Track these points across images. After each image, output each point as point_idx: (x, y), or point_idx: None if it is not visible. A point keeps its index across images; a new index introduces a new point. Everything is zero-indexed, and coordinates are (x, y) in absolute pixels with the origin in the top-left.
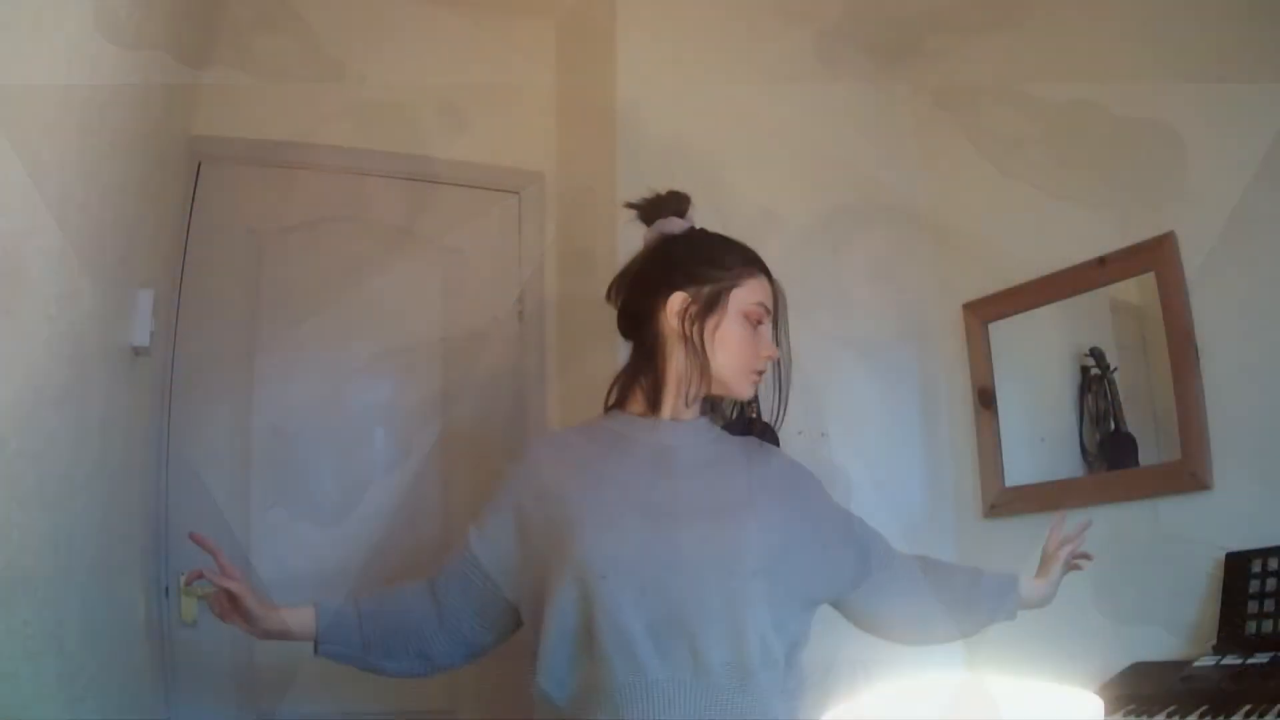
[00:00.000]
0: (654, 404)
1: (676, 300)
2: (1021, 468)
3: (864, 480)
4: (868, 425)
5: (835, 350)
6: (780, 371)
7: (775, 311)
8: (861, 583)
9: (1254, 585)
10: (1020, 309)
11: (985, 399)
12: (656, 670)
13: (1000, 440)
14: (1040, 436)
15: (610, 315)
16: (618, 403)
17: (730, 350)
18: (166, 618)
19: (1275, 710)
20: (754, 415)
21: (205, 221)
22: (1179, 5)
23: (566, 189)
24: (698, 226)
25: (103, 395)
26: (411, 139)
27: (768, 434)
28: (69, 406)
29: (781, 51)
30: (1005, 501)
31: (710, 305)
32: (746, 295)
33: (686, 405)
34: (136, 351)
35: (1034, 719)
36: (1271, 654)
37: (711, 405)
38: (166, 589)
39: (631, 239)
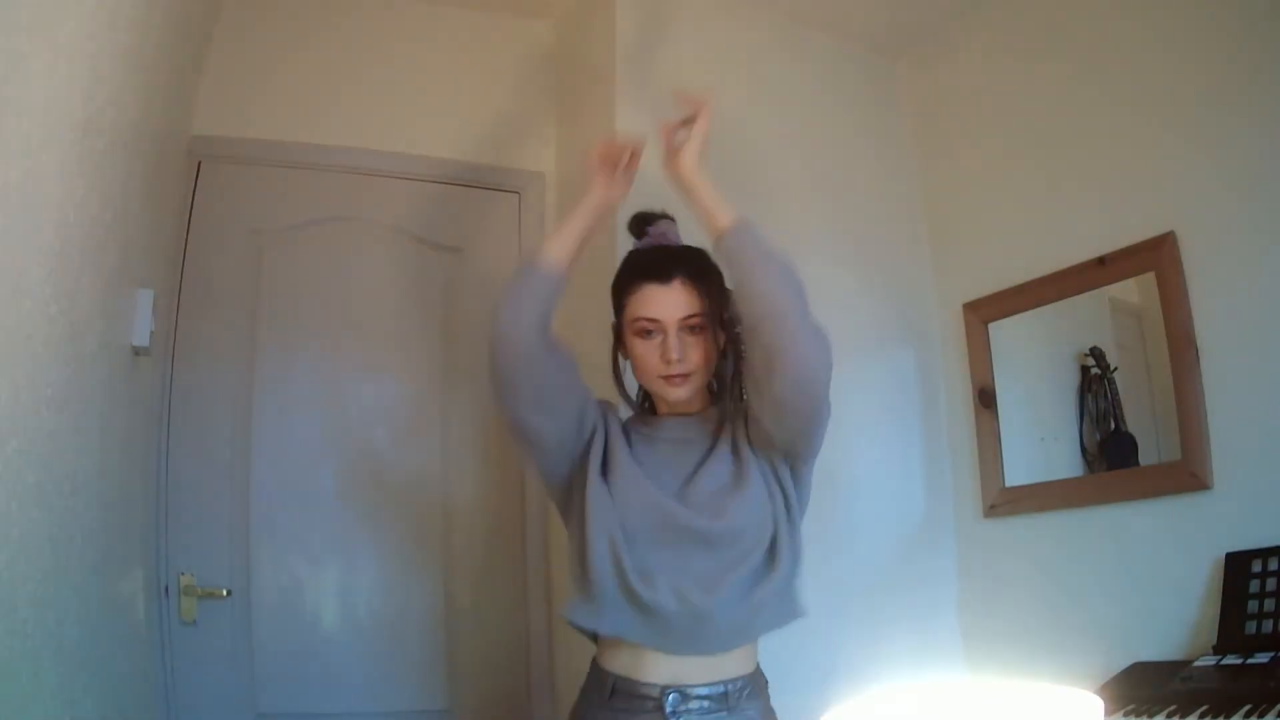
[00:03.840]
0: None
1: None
2: (1021, 468)
3: (864, 480)
4: (868, 425)
5: (835, 350)
6: (729, 358)
7: (688, 312)
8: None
9: (1254, 585)
10: (1020, 309)
11: (985, 399)
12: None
13: (1000, 440)
14: (1040, 436)
15: (610, 314)
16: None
17: (638, 365)
18: (166, 618)
19: (1275, 710)
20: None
21: (205, 221)
22: (1179, 6)
23: (566, 189)
24: (641, 244)
25: (103, 395)
26: (411, 139)
27: (728, 401)
28: (69, 406)
29: (781, 51)
30: (1005, 501)
31: (617, 330)
32: (632, 310)
33: (668, 406)
34: (136, 351)
35: (1034, 719)
36: (1271, 654)
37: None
38: (166, 589)
39: (630, 239)
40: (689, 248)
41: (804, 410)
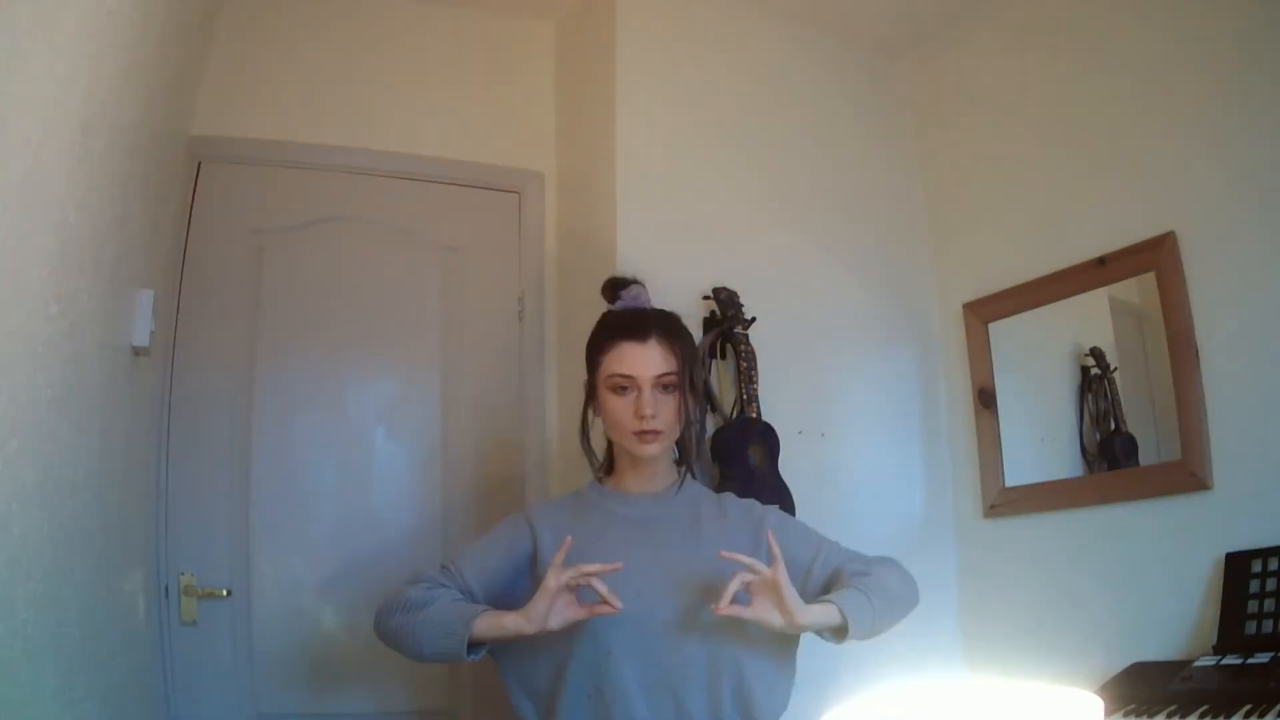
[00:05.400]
0: (618, 473)
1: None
2: (1021, 468)
3: (864, 480)
4: (868, 425)
5: (835, 350)
6: (692, 428)
7: (663, 370)
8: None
9: (1254, 585)
10: (1020, 309)
11: (985, 399)
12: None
13: (1000, 440)
14: (1040, 436)
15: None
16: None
17: (610, 421)
18: (166, 618)
19: (1275, 710)
20: (684, 465)
21: (205, 221)
22: (1179, 6)
23: (566, 189)
24: (616, 306)
25: (103, 395)
26: (411, 139)
27: (695, 471)
28: (69, 406)
29: (782, 51)
30: (1005, 501)
31: (590, 387)
32: (607, 367)
33: (633, 469)
34: (136, 351)
35: (1034, 719)
36: (1271, 654)
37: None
38: (166, 589)
39: (631, 239)
40: (662, 311)
41: None
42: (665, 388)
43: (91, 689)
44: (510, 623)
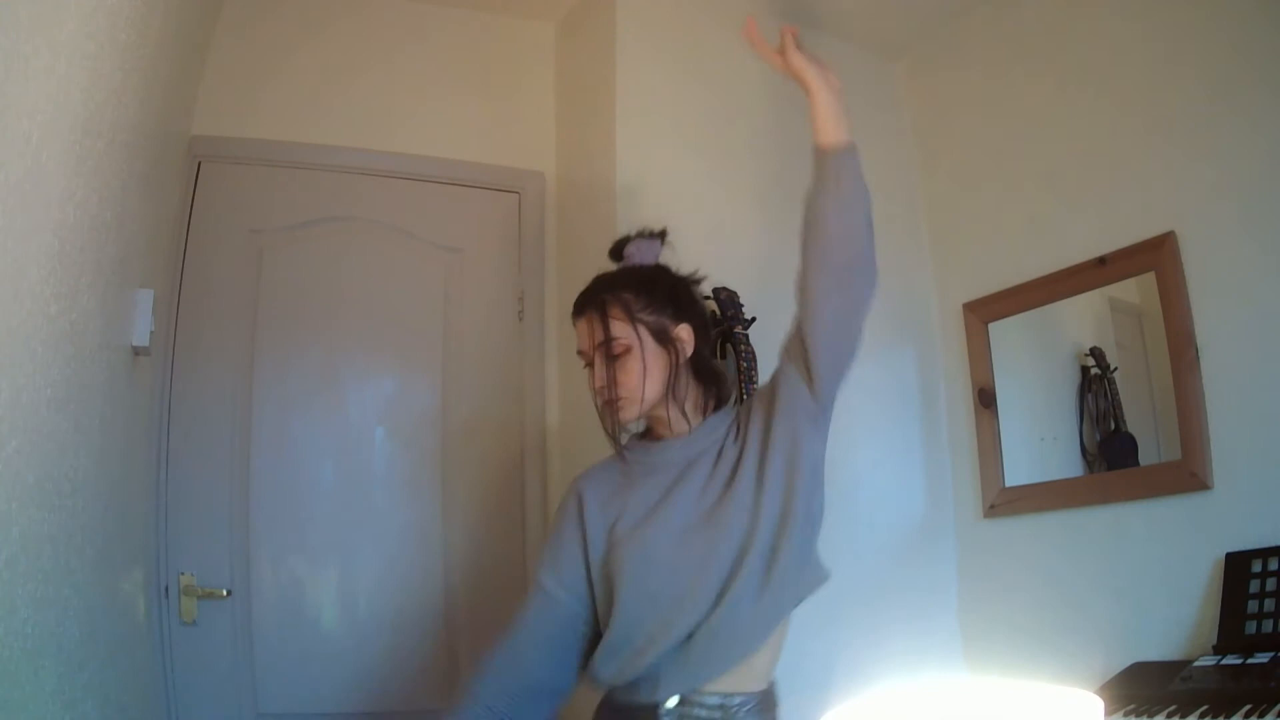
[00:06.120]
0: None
1: None
2: (1021, 468)
3: (864, 480)
4: (868, 425)
5: None
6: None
7: (606, 342)
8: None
9: (1254, 585)
10: (1020, 309)
11: (985, 399)
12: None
13: (1000, 440)
14: (1040, 436)
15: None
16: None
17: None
18: (166, 618)
19: (1275, 710)
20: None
21: (205, 221)
22: (1179, 6)
23: (566, 189)
24: (623, 265)
25: (103, 395)
26: (411, 139)
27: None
28: (69, 406)
29: None
30: (1005, 501)
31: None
32: (576, 342)
33: (652, 420)
34: (136, 351)
35: (1034, 719)
36: (1271, 654)
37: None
38: (166, 589)
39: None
40: (614, 274)
41: (855, 328)
42: (613, 355)
43: (91, 689)
44: None
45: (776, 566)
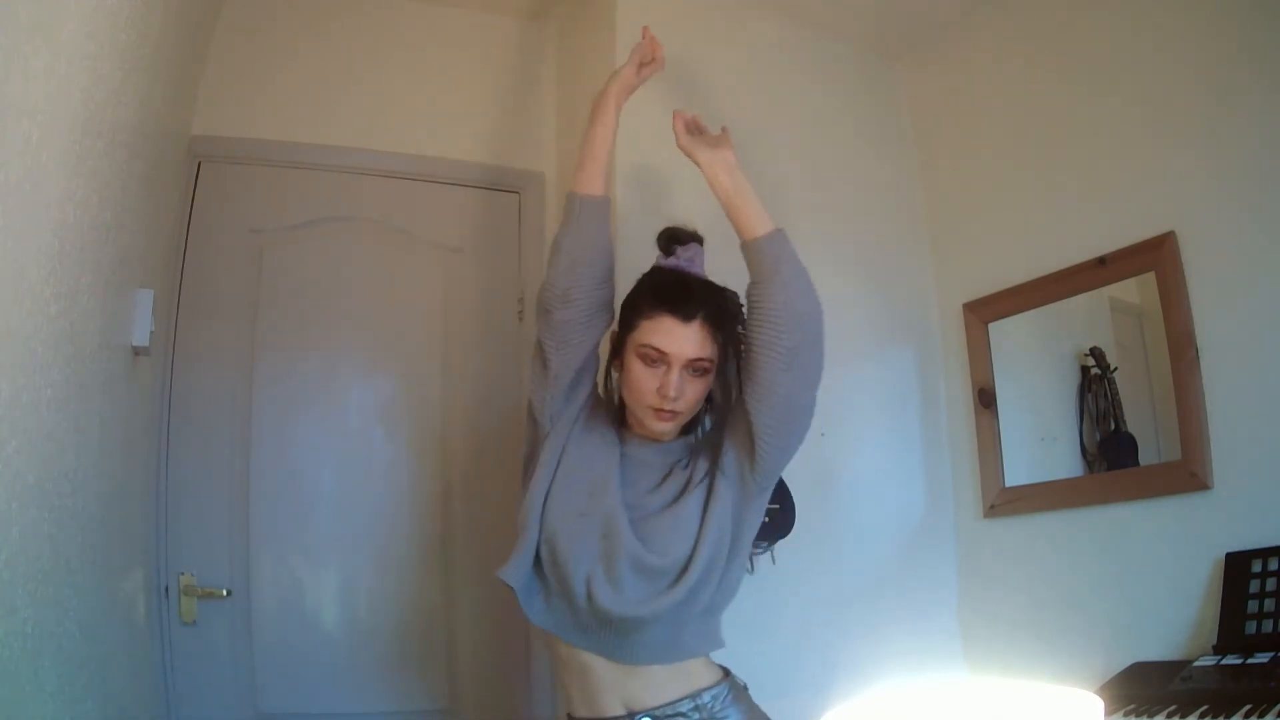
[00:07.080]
0: (622, 422)
1: (606, 336)
2: (1021, 468)
3: (864, 480)
4: (868, 425)
5: (835, 350)
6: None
7: (700, 355)
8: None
9: (1254, 585)
10: (1020, 309)
11: (985, 399)
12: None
13: (1000, 440)
14: (1040, 436)
15: None
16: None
17: (631, 387)
18: (166, 618)
19: (1275, 710)
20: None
21: (205, 221)
22: (1179, 6)
23: (566, 189)
24: (668, 263)
25: (102, 395)
26: (411, 139)
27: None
28: (69, 406)
29: (782, 52)
30: (1005, 501)
31: (617, 344)
32: (641, 336)
33: (638, 426)
34: (136, 351)
35: (1034, 719)
36: (1271, 654)
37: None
38: (166, 589)
39: (630, 238)
40: (712, 286)
41: (804, 405)
42: (696, 371)
43: (91, 689)
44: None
45: (695, 607)
